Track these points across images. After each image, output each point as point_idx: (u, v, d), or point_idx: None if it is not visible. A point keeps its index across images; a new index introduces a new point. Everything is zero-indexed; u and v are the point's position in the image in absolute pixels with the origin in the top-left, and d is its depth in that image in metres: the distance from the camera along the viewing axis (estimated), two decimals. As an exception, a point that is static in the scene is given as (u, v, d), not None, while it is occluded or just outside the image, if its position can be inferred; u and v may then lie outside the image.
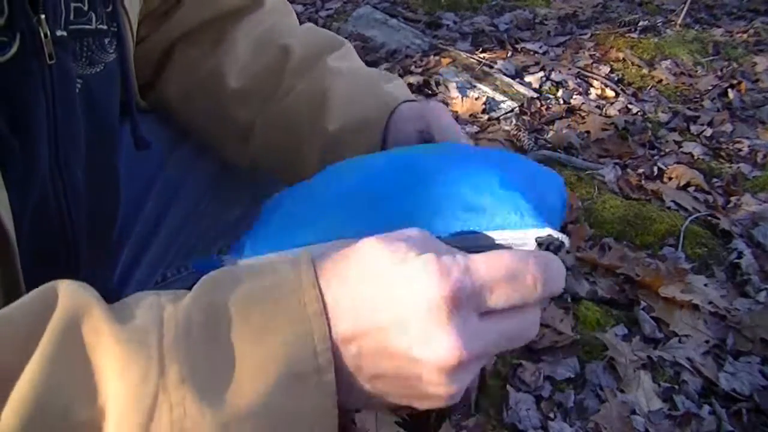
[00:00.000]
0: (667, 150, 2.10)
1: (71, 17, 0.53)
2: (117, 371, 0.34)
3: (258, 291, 0.37)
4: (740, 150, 2.12)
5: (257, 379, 0.35)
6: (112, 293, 0.73)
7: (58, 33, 0.51)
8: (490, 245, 0.42)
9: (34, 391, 0.34)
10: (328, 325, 0.36)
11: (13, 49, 0.47)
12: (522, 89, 2.39)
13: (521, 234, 0.42)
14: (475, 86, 2.39)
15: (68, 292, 0.37)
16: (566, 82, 2.45)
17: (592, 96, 2.40)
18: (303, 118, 0.68)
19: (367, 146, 0.64)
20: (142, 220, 0.77)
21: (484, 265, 0.37)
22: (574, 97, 2.37)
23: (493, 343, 0.38)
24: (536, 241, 0.43)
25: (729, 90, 2.45)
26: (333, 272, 0.38)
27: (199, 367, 0.35)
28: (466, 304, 0.36)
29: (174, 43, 0.73)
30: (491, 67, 2.52)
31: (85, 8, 0.55)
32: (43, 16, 0.48)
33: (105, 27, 0.58)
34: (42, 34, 0.48)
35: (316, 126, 0.67)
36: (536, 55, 2.66)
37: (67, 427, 0.34)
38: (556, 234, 0.43)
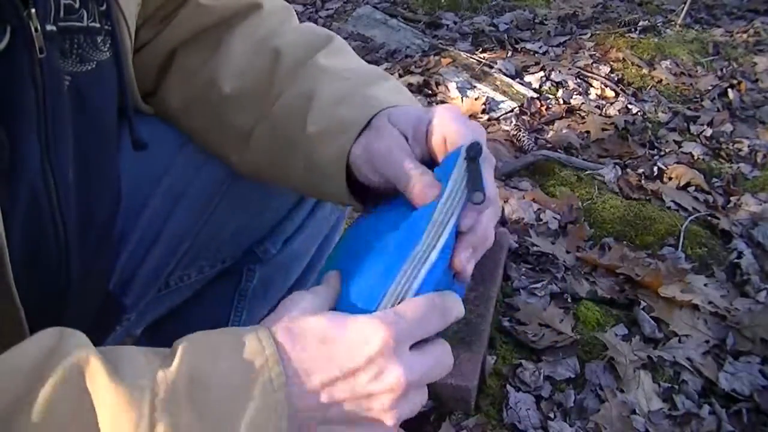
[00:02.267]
0: (667, 150, 2.10)
1: (61, 14, 0.53)
2: (111, 422, 0.40)
3: (233, 365, 0.45)
4: (740, 150, 2.12)
5: None
6: (108, 296, 0.73)
7: (48, 27, 0.51)
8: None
9: (39, 427, 0.39)
10: (288, 393, 0.45)
11: (3, 42, 0.47)
12: (522, 89, 2.39)
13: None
14: (474, 86, 2.40)
15: (72, 342, 0.43)
16: (566, 82, 2.45)
17: (592, 96, 2.40)
18: (291, 121, 0.66)
19: (337, 151, 0.62)
20: (144, 224, 0.76)
21: (406, 308, 0.49)
22: (574, 97, 2.37)
23: (426, 370, 0.49)
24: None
25: (729, 90, 2.45)
26: (293, 342, 0.47)
27: (182, 425, 0.42)
28: (403, 340, 0.48)
29: (174, 50, 0.73)
30: (491, 67, 2.52)
31: (76, 5, 0.55)
32: (33, 10, 0.48)
33: (98, 25, 0.58)
34: (32, 28, 0.48)
35: (300, 128, 0.65)
36: (536, 55, 2.66)
37: None
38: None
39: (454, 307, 0.52)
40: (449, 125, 0.57)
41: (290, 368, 0.46)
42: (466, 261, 0.54)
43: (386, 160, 0.58)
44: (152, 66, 0.73)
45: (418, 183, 0.55)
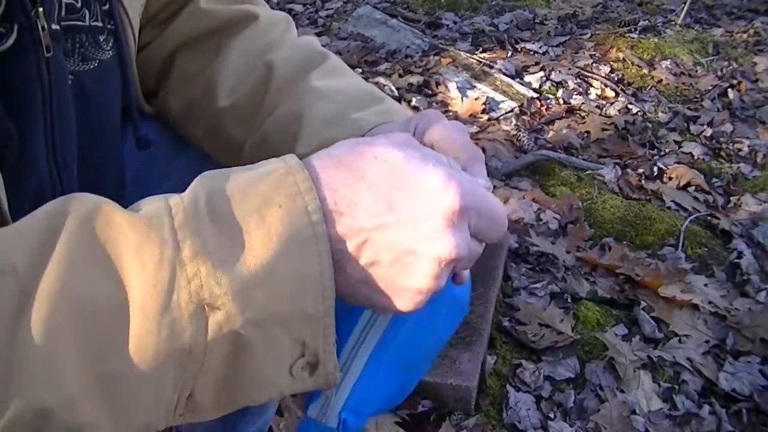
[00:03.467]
0: (667, 150, 2.10)
1: (63, 13, 0.54)
2: (135, 256, 0.38)
3: (255, 176, 0.42)
4: (740, 150, 2.12)
5: (263, 248, 0.39)
6: None
7: (53, 27, 0.51)
8: None
9: (60, 283, 0.36)
10: (320, 198, 0.41)
11: (11, 41, 0.47)
12: (522, 89, 2.39)
13: None
14: (474, 86, 2.40)
15: (78, 200, 0.40)
16: (566, 82, 2.45)
17: (592, 96, 2.40)
18: (281, 139, 0.66)
19: None
20: None
21: (482, 191, 0.45)
22: (574, 97, 2.37)
23: (470, 254, 0.45)
24: None
25: (729, 90, 2.45)
26: (340, 168, 0.43)
27: (209, 241, 0.38)
28: (467, 217, 0.43)
29: (174, 53, 0.73)
30: (491, 67, 2.52)
31: (78, 5, 0.55)
32: (41, 9, 0.49)
33: (100, 24, 0.58)
34: (40, 27, 0.49)
35: (290, 147, 0.65)
36: (536, 55, 2.66)
37: (93, 312, 0.37)
38: None
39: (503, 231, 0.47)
40: (434, 132, 0.56)
41: (329, 192, 0.41)
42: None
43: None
44: (153, 67, 0.74)
45: None
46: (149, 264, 0.37)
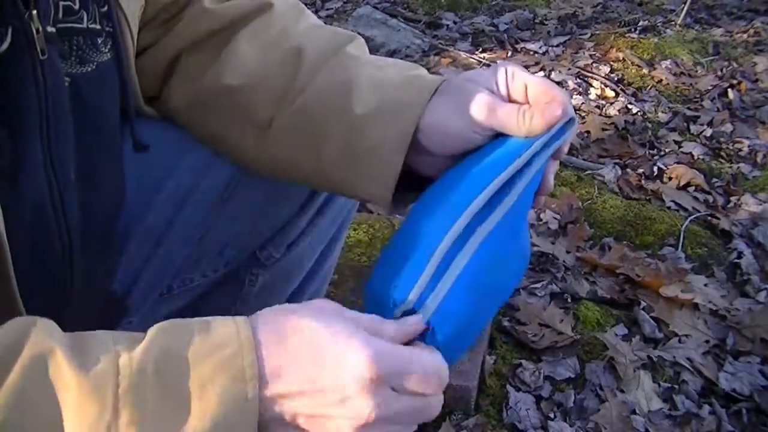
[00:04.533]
0: (667, 150, 2.10)
1: (60, 15, 0.53)
2: (75, 412, 0.40)
3: (205, 349, 0.44)
4: (740, 150, 2.12)
5: (198, 422, 0.41)
6: (111, 297, 0.73)
7: (49, 29, 0.51)
8: None
9: (3, 415, 0.38)
10: (259, 386, 0.44)
11: (5, 44, 0.47)
12: (522, 89, 2.39)
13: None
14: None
15: (36, 332, 0.42)
16: (566, 82, 2.45)
17: (592, 96, 2.40)
18: (327, 109, 0.66)
19: (399, 130, 0.62)
20: (147, 226, 0.75)
21: (410, 351, 0.49)
22: (574, 97, 2.37)
23: (402, 413, 0.47)
24: None
25: (729, 90, 2.45)
26: (275, 341, 0.46)
27: (147, 412, 0.41)
28: (387, 381, 0.46)
29: (180, 53, 0.72)
30: (491, 67, 2.52)
31: (76, 7, 0.55)
32: (34, 12, 0.48)
33: (98, 27, 0.58)
34: (34, 30, 0.48)
35: (341, 113, 0.65)
36: (536, 55, 2.66)
37: None
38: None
39: (444, 380, 0.50)
40: (527, 75, 0.60)
41: (264, 365, 0.45)
42: (551, 176, 0.60)
43: (491, 111, 0.60)
44: (156, 69, 0.73)
45: (548, 107, 0.58)
46: (87, 422, 0.39)
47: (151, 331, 0.45)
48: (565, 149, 0.60)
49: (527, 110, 0.58)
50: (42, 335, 0.42)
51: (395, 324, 0.51)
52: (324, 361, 0.45)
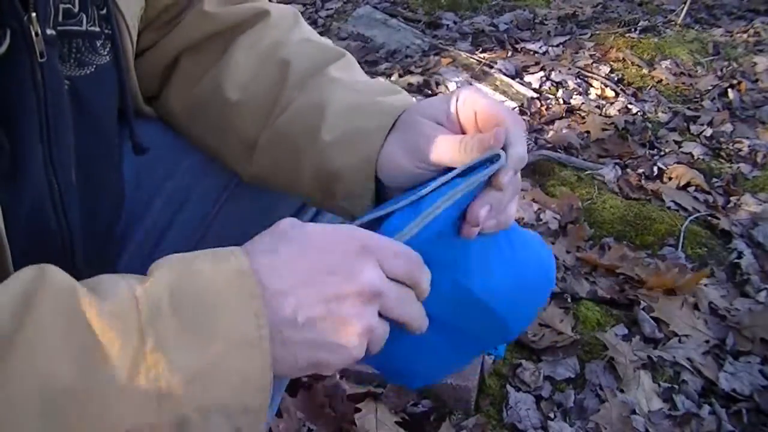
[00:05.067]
0: (667, 150, 2.10)
1: (59, 18, 0.53)
2: (102, 341, 0.41)
3: (211, 274, 0.46)
4: (740, 150, 2.12)
5: (215, 346, 0.44)
6: None
7: (48, 32, 0.51)
8: None
9: (28, 359, 0.39)
10: (265, 306, 0.46)
11: (4, 47, 0.47)
12: (522, 89, 2.39)
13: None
14: (474, 86, 2.40)
15: (53, 273, 0.43)
16: (566, 82, 2.45)
17: (592, 96, 2.40)
18: (301, 130, 0.66)
19: (361, 158, 0.62)
20: (146, 227, 0.75)
21: (390, 242, 0.52)
22: (574, 97, 2.37)
23: (397, 294, 0.51)
24: None
25: (729, 90, 2.45)
26: (266, 253, 0.49)
27: (168, 337, 0.43)
28: (373, 255, 0.50)
29: (179, 55, 0.72)
30: (491, 67, 2.52)
31: (75, 10, 0.55)
32: (34, 14, 0.48)
33: (97, 29, 0.58)
34: (33, 32, 0.48)
35: (312, 136, 0.65)
36: (536, 55, 2.66)
37: (58, 391, 0.40)
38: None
39: (424, 286, 0.53)
40: (478, 101, 0.59)
41: (265, 279, 0.47)
42: (479, 208, 0.55)
43: (434, 146, 0.59)
44: (155, 70, 0.73)
45: (482, 137, 0.57)
46: (114, 351, 0.41)
47: (156, 267, 0.47)
48: (503, 179, 0.55)
49: (467, 141, 0.57)
50: (57, 275, 0.43)
51: None
52: (323, 250, 0.49)
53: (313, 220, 0.85)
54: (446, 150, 0.58)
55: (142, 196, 0.74)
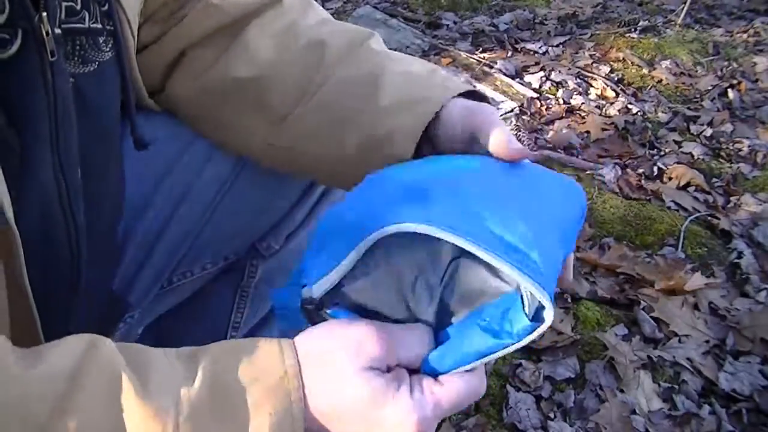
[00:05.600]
0: (667, 150, 2.10)
1: (63, 16, 0.53)
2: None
3: (253, 374, 0.46)
4: (740, 150, 2.12)
5: None
6: (113, 295, 0.73)
7: (56, 31, 0.51)
8: (486, 264, 0.50)
9: None
10: (306, 407, 0.46)
11: (15, 47, 0.47)
12: (522, 89, 2.39)
13: (516, 276, 0.48)
14: (475, 86, 2.40)
15: (102, 354, 0.44)
16: (566, 82, 2.45)
17: (592, 96, 2.40)
18: (351, 99, 0.67)
19: (417, 118, 0.63)
20: (148, 222, 0.76)
21: (446, 396, 0.49)
22: (574, 97, 2.37)
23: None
24: (521, 291, 0.50)
25: (729, 90, 2.45)
26: (317, 388, 0.47)
27: None
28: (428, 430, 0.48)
29: (185, 49, 0.72)
30: (491, 67, 2.52)
31: (78, 7, 0.55)
32: (44, 14, 0.48)
33: (99, 26, 0.58)
34: (44, 32, 0.48)
35: (366, 104, 0.66)
36: (536, 55, 2.66)
37: None
38: (545, 303, 0.50)
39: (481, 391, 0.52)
40: (496, 134, 0.59)
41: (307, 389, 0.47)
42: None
43: (489, 126, 0.59)
44: (160, 65, 0.73)
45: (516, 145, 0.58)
46: None
47: (203, 358, 0.47)
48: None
49: (516, 141, 0.59)
50: (108, 356, 0.44)
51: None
52: (373, 422, 0.47)
53: (317, 203, 0.85)
54: (497, 135, 0.58)
55: (142, 192, 0.74)
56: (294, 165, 0.73)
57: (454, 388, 0.49)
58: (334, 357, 0.48)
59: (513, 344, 0.52)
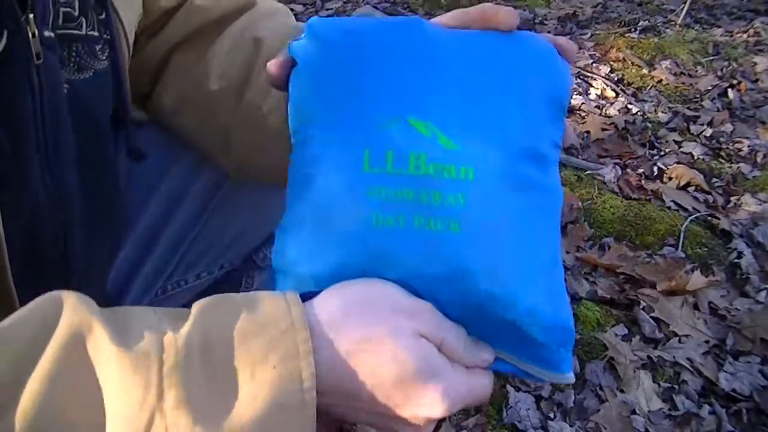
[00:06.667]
0: (667, 150, 2.10)
1: (60, 21, 0.53)
2: (117, 392, 0.36)
3: (255, 326, 0.40)
4: (740, 150, 2.12)
5: (248, 408, 0.38)
6: (105, 300, 0.73)
7: (46, 33, 0.50)
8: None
9: (39, 401, 0.35)
10: (316, 365, 0.40)
11: (0, 47, 0.46)
12: (522, 89, 2.39)
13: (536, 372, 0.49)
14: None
15: (71, 307, 0.38)
16: (566, 82, 2.45)
17: (592, 96, 2.40)
18: (263, 108, 0.65)
19: None
20: (142, 228, 0.76)
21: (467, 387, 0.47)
22: (574, 97, 2.37)
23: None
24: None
25: (729, 90, 2.45)
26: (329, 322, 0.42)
27: (194, 394, 0.37)
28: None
29: (170, 52, 0.72)
30: (491, 67, 2.52)
31: (75, 13, 0.55)
32: (31, 16, 0.48)
33: (96, 34, 0.58)
34: (30, 33, 0.48)
35: (269, 115, 0.64)
36: (536, 55, 2.66)
37: None
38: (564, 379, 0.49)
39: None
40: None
41: (319, 339, 0.41)
42: None
43: None
44: (148, 69, 0.73)
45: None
46: (130, 403, 0.36)
47: (196, 307, 0.41)
48: None
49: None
50: (79, 309, 0.39)
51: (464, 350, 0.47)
52: (409, 394, 0.42)
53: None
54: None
55: (136, 200, 0.74)
56: (255, 177, 0.72)
57: (477, 382, 0.47)
58: (383, 313, 0.42)
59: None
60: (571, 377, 0.48)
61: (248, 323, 0.40)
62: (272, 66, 0.49)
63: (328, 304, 0.43)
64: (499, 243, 0.43)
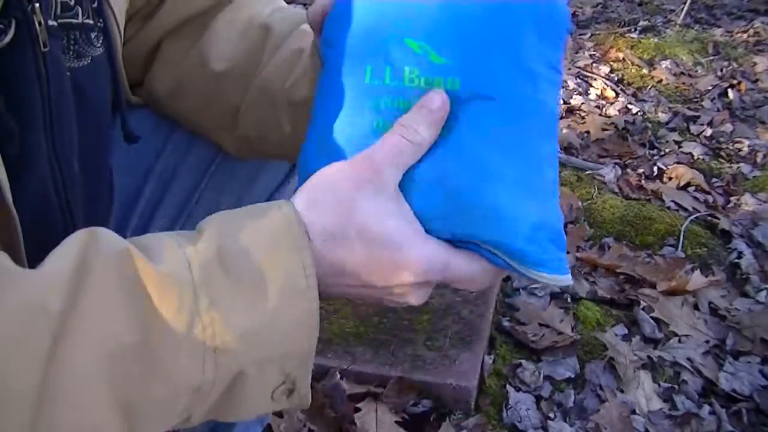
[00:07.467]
0: (667, 150, 2.10)
1: (58, 10, 0.55)
2: (158, 301, 0.43)
3: (259, 233, 0.47)
4: (740, 150, 2.12)
5: (267, 300, 0.45)
6: None
7: (50, 22, 0.52)
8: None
9: (90, 324, 0.40)
10: (313, 254, 0.47)
11: (9, 37, 0.48)
12: (522, 89, 2.39)
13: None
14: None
15: (106, 239, 0.44)
16: (566, 82, 2.45)
17: (592, 96, 2.40)
18: (280, 82, 0.68)
19: None
20: (139, 210, 0.78)
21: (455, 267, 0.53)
22: (574, 97, 2.37)
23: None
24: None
25: (729, 90, 2.45)
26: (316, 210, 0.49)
27: (222, 295, 0.44)
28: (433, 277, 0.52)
29: (160, 41, 0.74)
30: (491, 67, 2.52)
31: (72, 2, 0.56)
32: (37, 5, 0.49)
33: (91, 22, 0.59)
34: (36, 22, 0.50)
35: (291, 88, 0.67)
36: (536, 55, 2.66)
37: (120, 352, 0.41)
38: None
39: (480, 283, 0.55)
40: None
41: (313, 231, 0.48)
42: None
43: None
44: (139, 57, 0.75)
45: None
46: (171, 311, 0.42)
47: (204, 226, 0.48)
48: None
49: None
50: (111, 238, 0.44)
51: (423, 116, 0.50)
52: (387, 263, 0.49)
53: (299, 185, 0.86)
54: None
55: (133, 182, 0.76)
56: (260, 152, 0.75)
57: (461, 261, 0.52)
58: (386, 188, 0.49)
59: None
60: (568, 278, 0.55)
61: (253, 231, 0.47)
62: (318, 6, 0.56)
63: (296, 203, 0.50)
64: (484, 145, 0.50)
